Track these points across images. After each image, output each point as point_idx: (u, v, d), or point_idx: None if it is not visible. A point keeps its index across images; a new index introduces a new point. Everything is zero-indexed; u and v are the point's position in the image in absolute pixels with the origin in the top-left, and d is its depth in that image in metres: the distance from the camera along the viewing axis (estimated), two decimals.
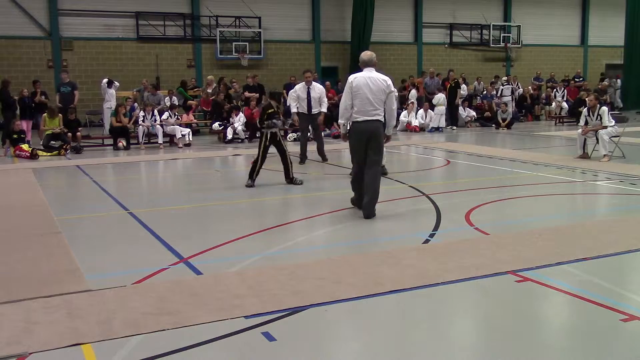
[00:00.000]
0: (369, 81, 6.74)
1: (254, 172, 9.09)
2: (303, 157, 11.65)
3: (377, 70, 6.98)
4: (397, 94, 7.93)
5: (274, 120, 9.04)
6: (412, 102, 19.15)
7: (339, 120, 7.10)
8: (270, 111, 9.10)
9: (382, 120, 6.94)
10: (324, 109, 11.75)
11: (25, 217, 7.17)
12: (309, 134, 12.11)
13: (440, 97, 19.11)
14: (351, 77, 6.88)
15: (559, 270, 4.84)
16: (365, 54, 7.03)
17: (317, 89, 11.63)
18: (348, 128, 7.10)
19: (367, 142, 6.82)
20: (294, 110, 11.85)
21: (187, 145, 15.47)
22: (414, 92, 19.83)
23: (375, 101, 6.75)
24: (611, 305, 4.07)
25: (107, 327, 3.78)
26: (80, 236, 6.34)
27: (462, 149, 13.69)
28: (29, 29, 20.82)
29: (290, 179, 9.27)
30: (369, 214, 6.86)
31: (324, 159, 11.87)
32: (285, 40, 24.43)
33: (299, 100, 11.61)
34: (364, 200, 6.91)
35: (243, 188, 9.08)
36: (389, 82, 6.86)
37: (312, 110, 11.55)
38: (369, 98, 6.72)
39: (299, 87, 11.69)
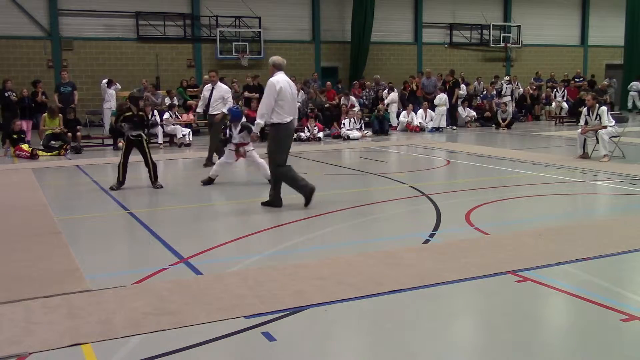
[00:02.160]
0: (288, 84, 7.32)
1: (119, 175, 9.11)
2: (208, 160, 11.47)
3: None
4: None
5: (123, 124, 9.10)
6: (386, 105, 18.84)
7: (259, 120, 7.27)
8: (127, 114, 9.15)
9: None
10: (225, 110, 11.18)
11: (25, 217, 7.17)
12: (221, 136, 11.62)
13: (442, 97, 19.11)
14: (274, 81, 7.23)
15: (559, 270, 4.84)
16: (279, 58, 7.49)
17: (222, 89, 11.49)
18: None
19: (292, 139, 7.52)
20: (199, 110, 11.96)
21: (187, 145, 15.47)
22: (393, 95, 19.56)
23: (294, 102, 7.41)
24: (611, 305, 4.07)
25: (107, 327, 3.78)
26: (80, 236, 6.34)
27: (462, 149, 13.69)
28: (29, 29, 20.83)
29: (152, 182, 9.28)
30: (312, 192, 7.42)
31: (208, 162, 11.25)
32: (285, 40, 24.43)
33: (204, 99, 11.63)
34: (308, 189, 7.40)
35: (243, 188, 9.08)
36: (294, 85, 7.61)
37: (211, 110, 11.38)
38: (291, 99, 7.29)
39: (206, 87, 11.73)
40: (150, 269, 5.02)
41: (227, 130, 9.30)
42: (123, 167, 9.09)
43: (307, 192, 7.41)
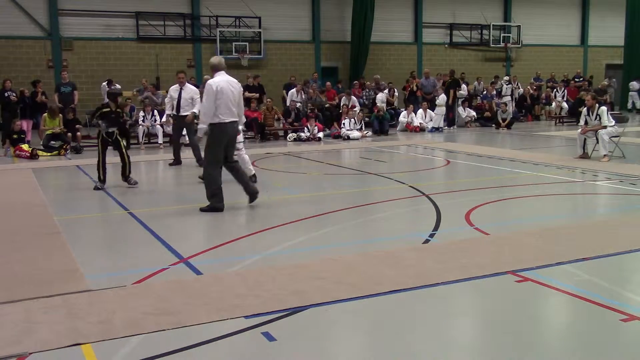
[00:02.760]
0: (229, 84, 7.28)
1: (99, 174, 9.18)
2: (175, 160, 11.57)
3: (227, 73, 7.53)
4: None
5: (100, 122, 9.18)
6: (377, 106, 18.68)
7: (201, 125, 7.36)
8: (105, 110, 9.22)
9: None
10: (195, 110, 11.14)
11: (25, 217, 7.17)
12: (183, 136, 11.88)
13: (443, 98, 19.11)
14: (212, 82, 7.25)
15: (559, 270, 4.84)
16: (216, 59, 7.54)
17: (190, 90, 11.47)
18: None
19: (229, 140, 7.40)
20: (168, 112, 11.84)
21: (187, 145, 15.44)
22: (381, 95, 19.41)
23: (235, 103, 7.34)
24: (611, 305, 4.08)
25: (107, 327, 3.78)
26: (80, 236, 6.34)
27: (462, 149, 13.69)
28: (29, 29, 20.82)
29: (125, 177, 9.42)
30: (257, 190, 7.60)
31: (200, 163, 10.75)
32: (285, 40, 24.43)
33: (172, 100, 11.56)
34: (249, 185, 7.59)
35: (242, 188, 9.06)
36: (239, 83, 7.56)
37: (181, 111, 11.34)
38: (231, 100, 7.25)
39: (173, 88, 11.64)
40: (150, 269, 5.02)
41: None
42: (102, 166, 9.17)
43: (213, 207, 7.37)
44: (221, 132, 7.27)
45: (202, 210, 7.33)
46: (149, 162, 12.80)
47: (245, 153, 9.29)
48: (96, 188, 9.11)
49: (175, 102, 11.46)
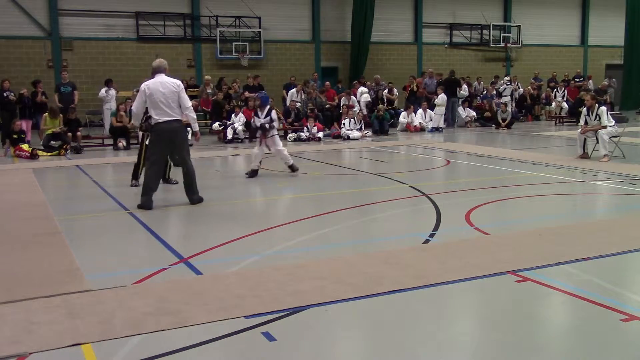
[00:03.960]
0: (160, 85, 7.46)
1: (138, 173, 9.23)
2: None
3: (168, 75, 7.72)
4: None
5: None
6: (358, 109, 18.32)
7: (132, 121, 8.07)
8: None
9: (181, 118, 7.61)
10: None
11: (25, 217, 7.17)
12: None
13: (443, 98, 19.11)
14: (143, 84, 7.63)
15: (559, 270, 4.84)
16: (155, 62, 7.75)
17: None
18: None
19: (173, 139, 7.54)
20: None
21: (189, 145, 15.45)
22: (365, 96, 19.20)
23: (169, 103, 7.45)
24: (611, 305, 4.07)
25: (107, 327, 3.78)
26: (80, 236, 6.34)
27: (462, 149, 13.68)
28: (29, 29, 20.82)
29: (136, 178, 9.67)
30: (195, 199, 7.76)
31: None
32: (285, 40, 24.43)
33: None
34: (189, 189, 7.76)
35: (243, 188, 9.07)
36: (179, 83, 7.65)
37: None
38: (162, 101, 7.41)
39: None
40: (150, 269, 5.02)
41: (254, 116, 10.12)
42: (141, 166, 9.15)
43: (142, 204, 7.52)
44: (156, 132, 7.57)
45: (138, 206, 7.57)
46: None
47: (281, 147, 10.02)
48: (133, 185, 9.22)
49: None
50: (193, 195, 7.79)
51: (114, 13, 21.73)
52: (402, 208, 7.65)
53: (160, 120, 7.47)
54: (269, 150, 10.09)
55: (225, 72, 22.31)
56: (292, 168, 10.17)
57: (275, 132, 10.16)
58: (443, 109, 19.07)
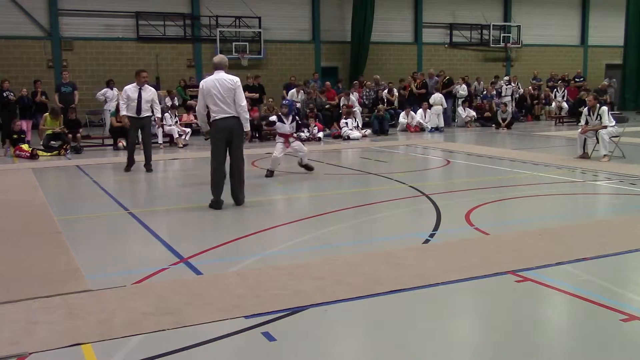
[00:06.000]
0: (217, 83, 7.40)
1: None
2: (129, 165, 10.99)
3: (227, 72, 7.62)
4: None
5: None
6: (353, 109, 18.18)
7: (199, 122, 8.02)
8: None
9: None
10: (158, 114, 11.36)
11: (25, 217, 7.17)
12: (137, 139, 11.11)
13: (436, 97, 19.10)
14: (202, 81, 7.61)
15: (559, 270, 4.84)
16: (215, 58, 7.69)
17: (150, 91, 10.96)
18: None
19: (230, 136, 7.46)
20: (123, 112, 10.93)
21: (185, 146, 15.45)
22: (352, 97, 19.00)
23: (225, 100, 7.38)
24: (611, 305, 4.07)
25: (107, 327, 3.78)
26: (80, 236, 6.33)
27: (462, 149, 13.68)
28: (29, 29, 20.82)
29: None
30: (240, 200, 7.62)
31: (149, 168, 10.92)
32: (285, 40, 24.43)
33: (130, 101, 10.76)
34: (232, 187, 7.61)
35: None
36: (236, 80, 7.50)
37: (142, 113, 10.81)
38: (219, 97, 7.35)
39: (130, 88, 10.84)
40: (150, 269, 5.02)
41: (277, 120, 10.36)
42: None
43: (213, 204, 7.56)
44: (214, 129, 7.52)
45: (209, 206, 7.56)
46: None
47: (298, 145, 10.26)
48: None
49: (133, 104, 10.74)
50: (239, 195, 7.64)
51: (114, 13, 21.74)
52: (402, 208, 7.64)
53: (217, 117, 7.41)
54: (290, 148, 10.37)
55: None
56: (307, 167, 10.39)
57: (302, 136, 10.75)
58: (440, 108, 19.03)
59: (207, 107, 7.54)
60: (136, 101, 10.76)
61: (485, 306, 4.25)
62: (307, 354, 3.49)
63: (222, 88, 7.36)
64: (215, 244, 5.85)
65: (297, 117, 10.45)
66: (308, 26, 24.98)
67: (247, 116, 7.59)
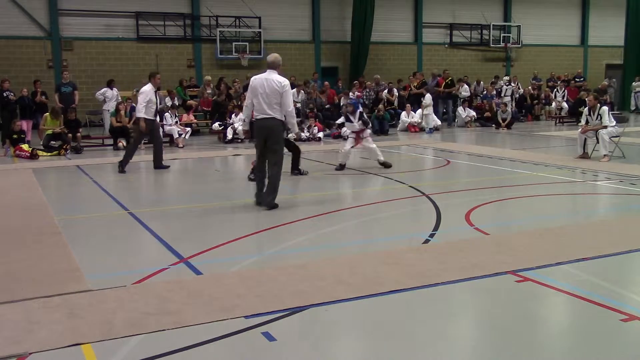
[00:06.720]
0: (265, 82, 7.28)
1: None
2: (122, 166, 10.83)
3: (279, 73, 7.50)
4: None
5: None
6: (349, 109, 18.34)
7: (242, 115, 8.11)
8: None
9: (280, 118, 7.37)
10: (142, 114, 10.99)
11: (25, 217, 7.17)
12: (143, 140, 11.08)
13: (427, 98, 19.05)
14: (252, 79, 7.53)
15: (559, 270, 4.84)
16: (269, 57, 7.55)
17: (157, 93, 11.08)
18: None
19: (266, 137, 7.36)
20: (142, 115, 10.74)
21: (182, 147, 15.44)
22: (342, 100, 19.15)
23: (269, 101, 7.26)
24: (611, 305, 4.07)
25: (107, 327, 3.78)
26: (80, 236, 6.33)
27: (462, 149, 13.68)
28: (29, 29, 20.81)
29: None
30: (269, 203, 7.37)
31: (163, 166, 11.13)
32: (285, 40, 24.41)
33: (150, 104, 10.74)
34: (264, 190, 7.46)
35: (243, 188, 9.06)
36: (285, 83, 7.31)
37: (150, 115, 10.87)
38: (262, 97, 7.26)
39: (149, 91, 10.80)
40: (150, 269, 5.02)
41: (345, 119, 10.93)
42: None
43: (258, 200, 7.55)
44: (255, 128, 7.52)
45: (258, 204, 7.58)
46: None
47: (372, 142, 10.83)
48: (250, 179, 9.25)
49: (154, 107, 10.82)
50: (266, 198, 7.41)
51: (114, 13, 21.73)
52: (402, 208, 7.64)
53: (258, 117, 7.37)
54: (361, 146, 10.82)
55: (225, 72, 22.30)
56: (385, 165, 10.71)
57: (369, 132, 10.91)
58: (430, 109, 18.91)
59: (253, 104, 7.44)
60: (155, 105, 10.94)
61: (485, 306, 4.25)
62: (307, 354, 3.49)
63: (269, 88, 7.24)
64: (215, 244, 5.85)
65: (362, 115, 10.83)
66: (308, 26, 24.98)
67: (294, 121, 7.55)
